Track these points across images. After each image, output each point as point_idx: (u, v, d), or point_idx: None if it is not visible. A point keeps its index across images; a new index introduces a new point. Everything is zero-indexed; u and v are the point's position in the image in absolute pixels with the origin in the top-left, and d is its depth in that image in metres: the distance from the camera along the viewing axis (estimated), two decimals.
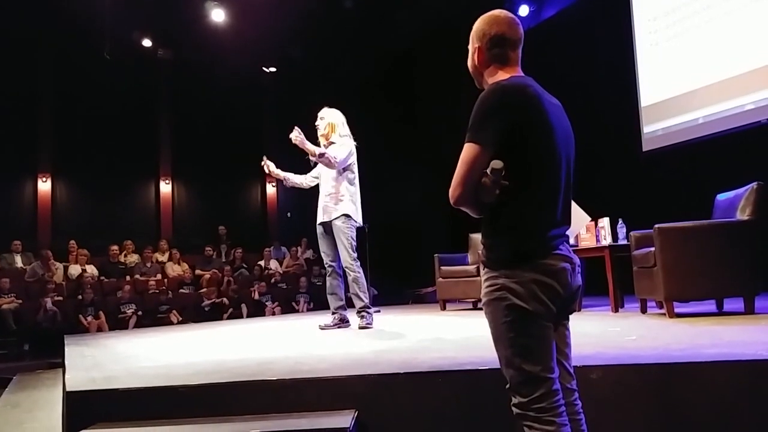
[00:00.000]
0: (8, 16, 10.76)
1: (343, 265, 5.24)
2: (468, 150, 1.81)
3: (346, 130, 5.44)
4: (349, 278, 5.21)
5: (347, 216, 5.22)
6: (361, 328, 5.12)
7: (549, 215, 1.86)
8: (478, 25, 2.01)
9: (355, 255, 5.23)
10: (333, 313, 5.40)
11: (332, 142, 5.36)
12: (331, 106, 5.56)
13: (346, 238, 5.19)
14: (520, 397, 1.80)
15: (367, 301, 5.23)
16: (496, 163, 1.76)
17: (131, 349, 4.90)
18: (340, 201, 5.27)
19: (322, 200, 5.35)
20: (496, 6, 2.18)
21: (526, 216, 1.83)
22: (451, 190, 1.84)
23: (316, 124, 5.49)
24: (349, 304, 5.39)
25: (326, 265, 5.40)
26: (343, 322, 5.36)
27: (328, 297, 5.43)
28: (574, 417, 1.90)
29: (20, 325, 9.15)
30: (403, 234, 11.47)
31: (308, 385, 2.73)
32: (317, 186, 5.56)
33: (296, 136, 5.11)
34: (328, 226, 5.31)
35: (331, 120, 5.42)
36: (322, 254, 5.43)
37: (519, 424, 1.81)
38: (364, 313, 5.19)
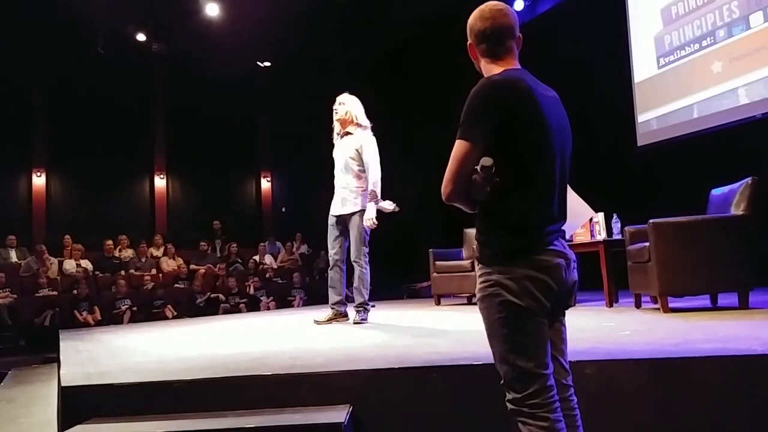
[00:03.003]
0: (2, 11, 10.70)
1: (353, 259, 5.18)
2: (458, 147, 1.81)
3: (367, 120, 5.35)
4: (356, 272, 5.17)
5: (365, 210, 5.15)
6: (355, 323, 5.11)
7: (543, 211, 1.85)
8: (469, 21, 2.00)
9: (367, 250, 5.18)
10: (331, 307, 5.34)
11: (348, 132, 5.28)
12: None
13: (362, 231, 5.14)
14: (514, 393, 1.80)
15: (367, 297, 5.21)
16: (486, 161, 1.76)
17: (126, 344, 4.89)
18: (360, 195, 5.19)
19: (341, 192, 5.24)
20: None
21: (520, 212, 1.82)
22: (442, 186, 1.84)
23: (334, 108, 5.37)
24: (347, 298, 5.38)
25: (330, 258, 5.31)
26: (341, 316, 5.31)
27: (329, 290, 5.36)
28: (569, 413, 1.90)
29: (15, 320, 9.15)
30: (398, 228, 11.46)
31: (303, 380, 2.73)
32: (330, 179, 5.45)
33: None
34: (342, 219, 5.24)
35: (351, 107, 5.31)
36: (329, 247, 5.32)
37: (513, 420, 1.81)
38: (362, 309, 5.18)
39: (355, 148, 5.20)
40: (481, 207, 1.87)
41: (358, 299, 5.18)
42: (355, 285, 5.20)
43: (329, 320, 5.29)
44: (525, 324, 1.79)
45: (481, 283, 1.86)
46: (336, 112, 5.35)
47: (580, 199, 3.63)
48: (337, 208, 5.26)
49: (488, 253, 1.86)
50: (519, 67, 1.95)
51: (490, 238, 1.86)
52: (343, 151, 5.28)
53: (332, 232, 5.30)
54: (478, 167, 1.77)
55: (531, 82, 1.86)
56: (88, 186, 12.46)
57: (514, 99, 1.80)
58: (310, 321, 5.46)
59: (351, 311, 5.30)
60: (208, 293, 10.32)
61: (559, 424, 1.77)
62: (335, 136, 5.40)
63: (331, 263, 5.31)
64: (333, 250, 5.29)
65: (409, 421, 2.66)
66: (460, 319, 5.37)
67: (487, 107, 1.79)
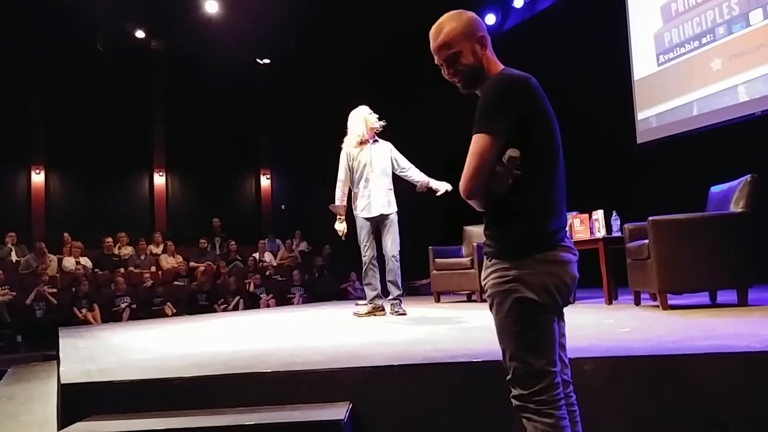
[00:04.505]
0: (1, 9, 10.67)
1: (392, 254, 5.52)
2: (479, 141, 1.77)
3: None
4: (394, 265, 5.52)
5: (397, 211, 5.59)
6: (399, 314, 5.38)
7: (555, 206, 1.85)
8: (466, 23, 1.92)
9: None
10: (369, 302, 5.62)
11: (376, 140, 5.70)
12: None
13: (397, 230, 5.56)
14: (521, 389, 1.79)
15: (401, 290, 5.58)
16: (513, 152, 1.74)
17: (126, 342, 4.90)
18: (393, 196, 5.60)
19: (384, 194, 5.55)
20: None
21: (536, 206, 1.82)
22: (463, 182, 1.79)
23: (375, 118, 5.70)
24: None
25: (366, 257, 5.59)
26: (379, 310, 5.58)
27: (365, 287, 5.66)
28: (569, 408, 1.89)
29: (14, 317, 9.14)
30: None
31: (303, 378, 2.73)
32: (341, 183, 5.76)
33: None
34: (379, 219, 5.54)
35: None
36: (364, 247, 5.58)
37: (516, 416, 1.81)
38: (398, 301, 5.52)
39: (388, 154, 5.63)
40: (495, 202, 1.84)
41: (395, 292, 5.50)
42: (391, 279, 5.53)
43: (368, 314, 5.56)
44: (538, 321, 1.79)
45: (495, 278, 1.83)
46: (378, 127, 5.68)
47: None
48: (378, 208, 5.53)
49: (503, 248, 1.83)
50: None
51: (505, 232, 1.85)
52: (378, 156, 5.62)
53: (367, 233, 5.59)
54: (505, 159, 1.74)
55: (535, 80, 1.87)
56: (88, 183, 12.44)
57: (528, 94, 1.81)
58: (309, 318, 5.50)
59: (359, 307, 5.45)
60: (216, 292, 10.34)
61: (563, 421, 1.77)
62: (356, 144, 5.62)
63: (366, 261, 5.58)
64: (369, 250, 5.59)
65: (408, 418, 2.66)
66: (460, 316, 5.36)
67: (506, 100, 1.79)
